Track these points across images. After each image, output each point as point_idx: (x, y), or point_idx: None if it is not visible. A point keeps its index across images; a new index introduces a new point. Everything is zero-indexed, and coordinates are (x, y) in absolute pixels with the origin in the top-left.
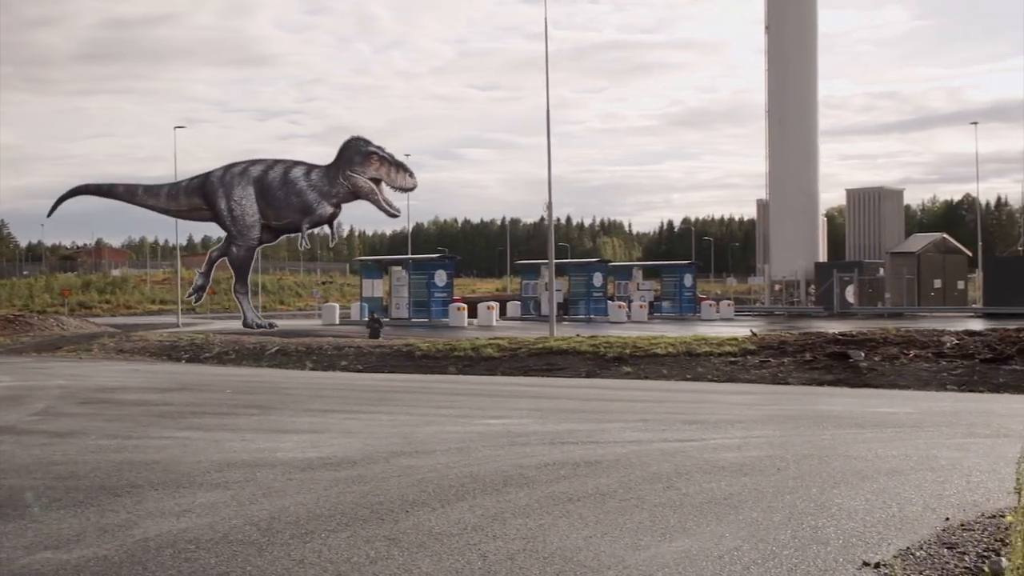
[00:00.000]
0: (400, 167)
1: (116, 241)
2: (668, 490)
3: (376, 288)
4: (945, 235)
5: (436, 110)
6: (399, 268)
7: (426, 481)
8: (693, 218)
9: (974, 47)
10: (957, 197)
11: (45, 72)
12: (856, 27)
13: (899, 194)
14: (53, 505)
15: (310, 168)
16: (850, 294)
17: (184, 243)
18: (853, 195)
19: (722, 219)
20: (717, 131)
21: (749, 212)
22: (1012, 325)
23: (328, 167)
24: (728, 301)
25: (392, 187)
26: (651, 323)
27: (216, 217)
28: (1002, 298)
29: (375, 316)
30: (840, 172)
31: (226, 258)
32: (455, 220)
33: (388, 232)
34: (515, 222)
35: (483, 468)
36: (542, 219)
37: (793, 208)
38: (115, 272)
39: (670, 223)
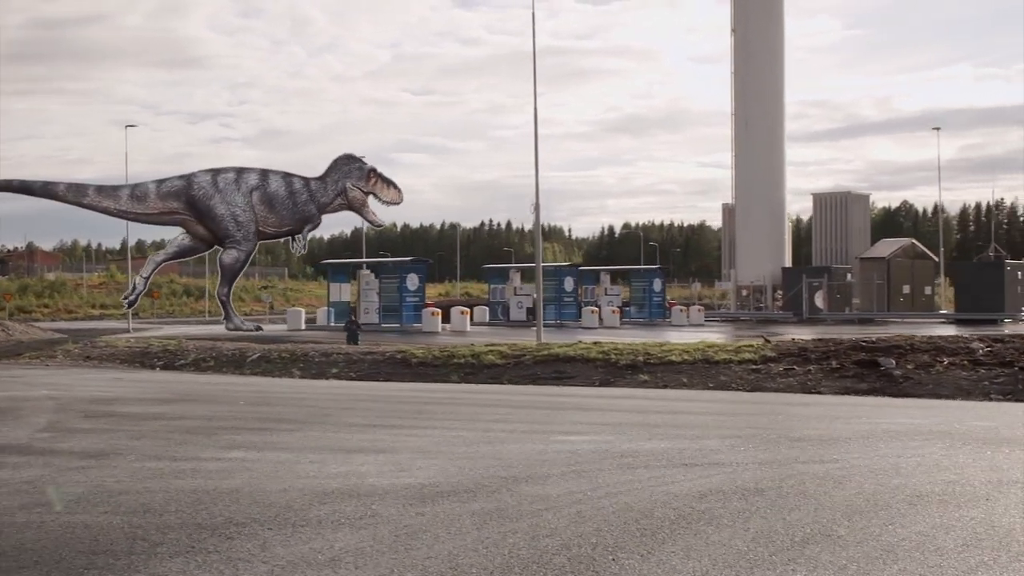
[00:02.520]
0: (390, 183)
1: (47, 244)
2: (899, 528)
3: (344, 292)
4: (914, 240)
5: (370, 114)
6: (368, 272)
7: (587, 517)
8: (633, 223)
9: (903, 56)
10: (886, 204)
11: None
12: (789, 36)
13: (865, 199)
14: (158, 552)
15: (306, 180)
16: (819, 299)
17: (117, 247)
18: (819, 200)
19: (662, 224)
20: (652, 137)
21: (688, 218)
22: (988, 331)
23: (323, 179)
24: (699, 307)
25: (383, 201)
26: (623, 328)
27: (210, 222)
28: (972, 303)
29: (354, 319)
30: None
31: (221, 262)
32: (394, 224)
33: (326, 237)
34: (454, 227)
35: (634, 498)
36: (482, 224)
37: (760, 212)
38: (49, 276)
39: (611, 228)
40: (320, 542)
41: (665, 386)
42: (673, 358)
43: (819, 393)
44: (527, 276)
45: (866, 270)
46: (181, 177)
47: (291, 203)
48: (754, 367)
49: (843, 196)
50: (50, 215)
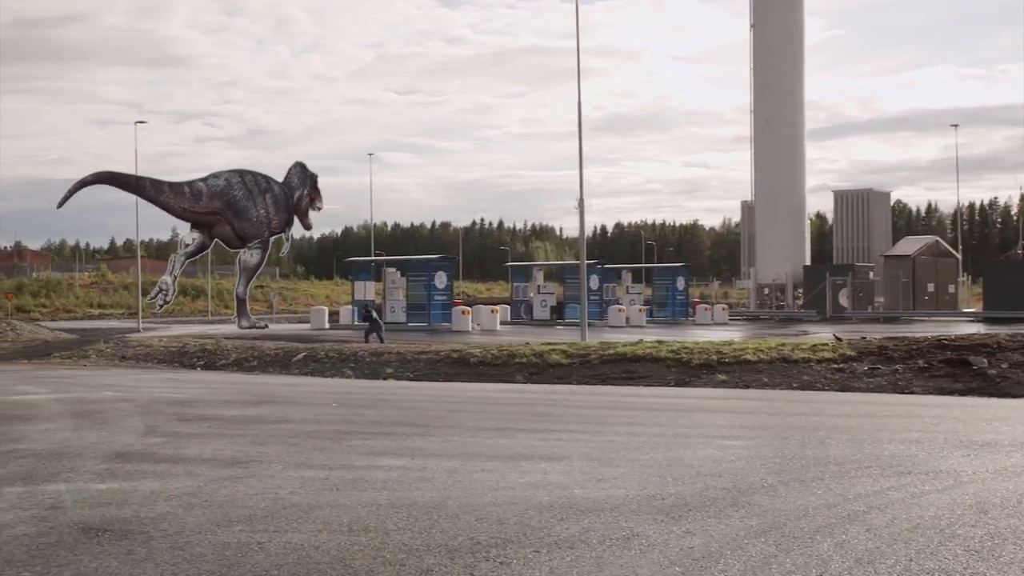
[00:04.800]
0: (319, 192)
1: (35, 244)
2: None
3: (367, 290)
4: (938, 238)
5: (354, 114)
6: (394, 270)
7: (888, 535)
8: (625, 223)
9: (886, 57)
10: None
11: None
12: None
13: (886, 196)
14: None
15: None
16: (843, 297)
17: (105, 246)
18: (840, 197)
19: (653, 224)
20: (636, 137)
21: (673, 218)
22: (1021, 329)
23: (290, 184)
24: (723, 305)
25: (316, 208)
26: (648, 327)
27: (245, 223)
28: (1002, 302)
29: (373, 310)
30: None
31: (244, 263)
32: (384, 224)
33: (316, 237)
34: (445, 226)
35: (911, 512)
36: (473, 223)
37: (780, 210)
38: (42, 274)
39: (603, 227)
40: (617, 569)
41: (746, 386)
42: (748, 357)
43: (913, 393)
44: (549, 276)
45: (891, 268)
46: (216, 176)
47: (287, 206)
48: (836, 366)
49: (864, 193)
50: (37, 215)
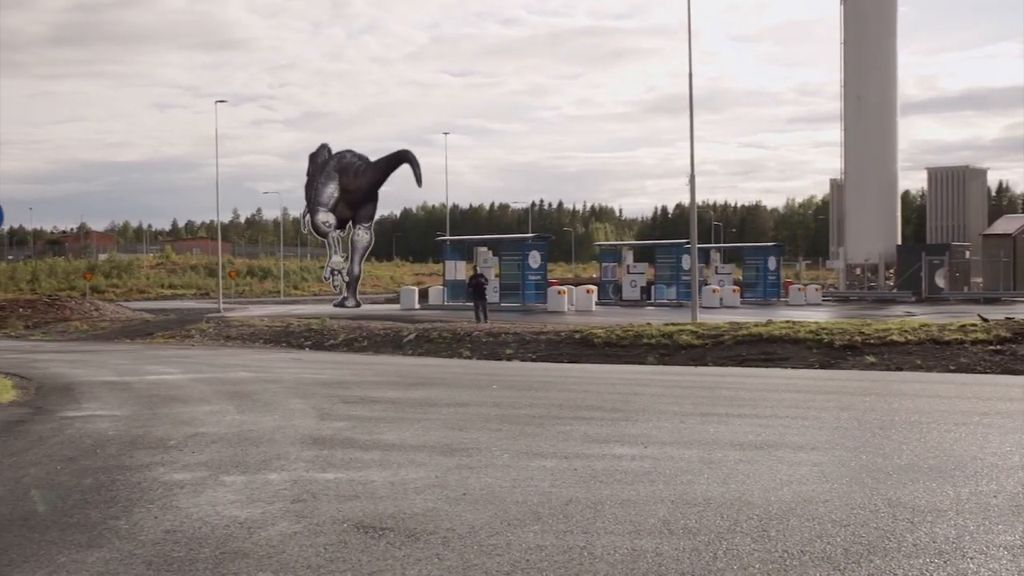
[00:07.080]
0: None
1: (99, 225)
2: None
3: (459, 270)
4: None
5: (410, 96)
6: (485, 249)
7: None
8: (685, 204)
9: (947, 35)
10: None
11: (12, 56)
12: (832, 15)
13: (983, 173)
14: None
15: None
16: (940, 278)
17: (167, 228)
18: (934, 174)
19: (715, 204)
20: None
21: (736, 199)
22: None
23: None
24: (816, 286)
25: None
26: (743, 308)
27: (370, 203)
28: None
29: (480, 274)
30: (815, 159)
31: (358, 243)
32: (443, 205)
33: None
34: (503, 207)
35: None
36: (533, 204)
37: (871, 189)
38: (102, 256)
39: (663, 208)
40: None
41: (898, 368)
42: (895, 338)
43: None
44: (639, 256)
45: (990, 247)
46: (352, 154)
47: None
48: (993, 348)
49: (960, 171)
50: (96, 197)
